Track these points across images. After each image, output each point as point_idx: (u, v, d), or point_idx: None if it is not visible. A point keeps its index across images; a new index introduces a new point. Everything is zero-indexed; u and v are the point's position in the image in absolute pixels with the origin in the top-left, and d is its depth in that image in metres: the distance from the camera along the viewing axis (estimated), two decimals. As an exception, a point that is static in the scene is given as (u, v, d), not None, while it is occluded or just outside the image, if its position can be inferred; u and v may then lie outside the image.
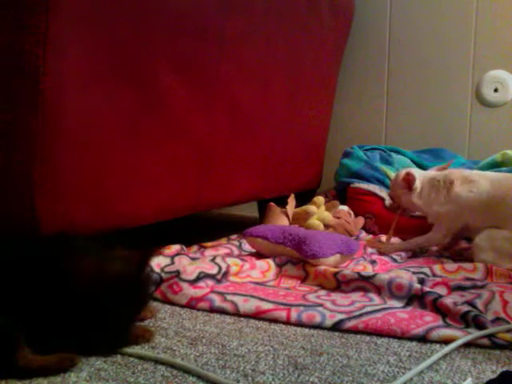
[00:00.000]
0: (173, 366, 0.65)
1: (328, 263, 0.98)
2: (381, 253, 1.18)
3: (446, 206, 1.14)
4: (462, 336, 0.71)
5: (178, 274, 0.91)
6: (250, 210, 1.75)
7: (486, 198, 1.09)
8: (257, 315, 0.81)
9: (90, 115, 0.80)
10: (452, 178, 1.15)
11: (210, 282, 0.92)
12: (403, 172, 1.21)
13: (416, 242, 1.19)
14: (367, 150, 1.59)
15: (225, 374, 0.63)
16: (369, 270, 1.03)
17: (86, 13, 0.76)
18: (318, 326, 0.78)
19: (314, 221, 1.28)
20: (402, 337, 0.74)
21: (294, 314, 0.80)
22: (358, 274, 0.91)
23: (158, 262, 0.94)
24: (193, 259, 1.01)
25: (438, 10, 1.62)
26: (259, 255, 1.07)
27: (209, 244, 1.18)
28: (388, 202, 1.38)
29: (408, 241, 1.21)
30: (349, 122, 1.77)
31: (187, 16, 0.96)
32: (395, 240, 1.31)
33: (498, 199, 1.08)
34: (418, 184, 1.17)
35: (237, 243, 1.18)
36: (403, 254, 1.17)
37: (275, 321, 0.80)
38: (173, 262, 0.96)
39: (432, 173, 1.21)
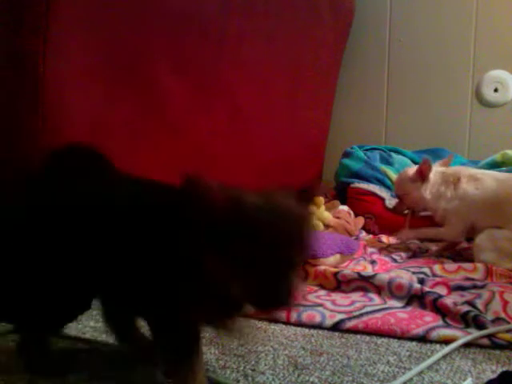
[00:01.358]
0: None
1: (328, 263, 0.98)
2: (384, 251, 1.18)
3: (453, 202, 1.13)
4: (462, 336, 0.71)
5: (178, 273, 0.91)
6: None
7: (491, 197, 1.09)
8: (257, 315, 0.81)
9: (90, 115, 0.80)
10: (459, 175, 1.14)
11: (210, 282, 0.92)
12: (413, 166, 1.19)
13: (427, 232, 1.19)
14: (367, 149, 1.58)
15: (225, 374, 0.63)
16: (369, 269, 1.03)
17: (87, 13, 0.76)
18: (318, 326, 0.78)
19: (313, 221, 1.28)
20: (402, 337, 0.74)
21: (293, 314, 0.80)
22: (358, 273, 0.91)
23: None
24: (193, 259, 1.01)
25: (438, 10, 1.62)
26: (259, 255, 1.07)
27: (209, 244, 1.18)
28: (391, 203, 1.38)
29: (418, 231, 1.21)
30: (349, 122, 1.77)
31: (188, 16, 0.96)
32: (395, 240, 1.31)
33: (503, 198, 1.08)
34: (431, 176, 1.15)
35: (237, 243, 1.18)
36: (403, 254, 1.16)
37: (275, 321, 0.80)
38: (173, 262, 0.96)
39: (442, 168, 1.18)
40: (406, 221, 1.23)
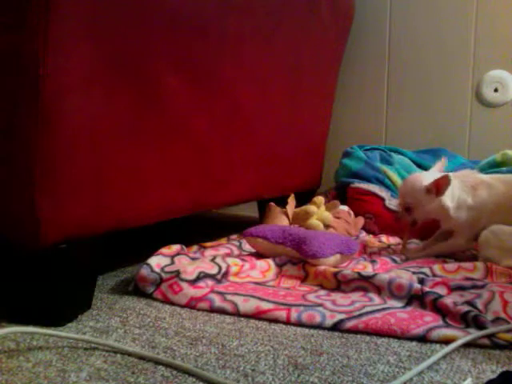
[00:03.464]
0: (172, 366, 0.65)
1: (328, 263, 0.98)
2: (384, 251, 1.18)
3: (470, 211, 1.11)
4: (462, 336, 0.71)
5: (177, 273, 0.91)
6: (250, 210, 1.75)
7: (502, 200, 1.09)
8: (257, 315, 0.82)
9: (90, 115, 0.80)
10: (475, 182, 1.13)
11: (210, 282, 0.92)
12: (419, 172, 1.16)
13: (437, 251, 1.14)
14: (367, 149, 1.58)
15: (225, 374, 0.63)
16: (369, 269, 1.03)
17: (86, 12, 0.76)
18: (318, 326, 0.78)
19: (313, 221, 1.28)
20: (402, 337, 0.74)
21: (294, 314, 0.80)
22: (358, 273, 0.91)
23: (157, 262, 0.94)
24: (193, 259, 1.01)
25: (438, 10, 1.62)
26: (259, 255, 1.07)
27: (209, 244, 1.18)
28: (391, 203, 1.37)
29: (431, 249, 1.17)
30: (349, 122, 1.77)
31: (188, 15, 0.96)
32: (395, 240, 1.31)
33: None
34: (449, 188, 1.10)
35: (237, 243, 1.18)
36: (403, 256, 1.15)
37: (275, 321, 0.80)
38: (173, 262, 0.96)
39: (458, 174, 1.15)
40: (406, 232, 1.21)
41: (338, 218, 1.33)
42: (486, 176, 1.18)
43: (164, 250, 1.00)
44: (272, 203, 1.36)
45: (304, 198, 1.42)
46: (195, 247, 1.15)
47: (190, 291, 0.88)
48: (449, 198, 1.11)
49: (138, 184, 0.92)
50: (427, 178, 1.13)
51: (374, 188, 1.44)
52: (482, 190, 1.12)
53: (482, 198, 1.11)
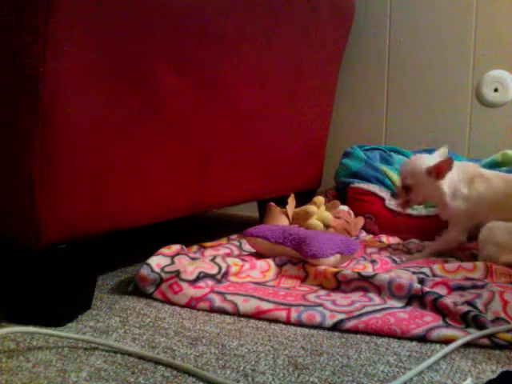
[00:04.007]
0: (172, 366, 0.65)
1: (328, 263, 0.98)
2: (384, 251, 1.18)
3: (466, 202, 1.11)
4: (462, 336, 0.71)
5: (177, 273, 0.91)
6: (250, 210, 1.75)
7: (500, 197, 1.10)
8: (257, 315, 0.82)
9: (90, 115, 0.80)
10: (474, 174, 1.13)
11: (210, 282, 0.92)
12: (423, 155, 1.16)
13: (434, 248, 1.15)
14: (367, 150, 1.59)
15: (225, 374, 0.63)
16: (369, 269, 1.03)
17: (86, 12, 0.76)
18: (318, 326, 0.78)
19: (313, 221, 1.28)
20: (402, 337, 0.74)
21: (293, 314, 0.80)
22: (358, 273, 0.91)
23: (157, 262, 0.94)
24: (193, 259, 1.01)
25: (438, 10, 1.62)
26: (259, 255, 1.07)
27: (209, 244, 1.18)
28: (391, 203, 1.37)
29: (428, 247, 1.17)
30: (349, 122, 1.77)
31: (187, 15, 0.96)
32: (395, 240, 1.31)
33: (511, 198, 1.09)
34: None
35: (237, 243, 1.18)
36: (403, 257, 1.15)
37: (275, 321, 0.80)
38: (173, 262, 0.96)
39: (459, 164, 1.14)
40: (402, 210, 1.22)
41: (338, 217, 1.33)
42: (487, 171, 1.18)
43: (164, 250, 1.00)
44: (272, 203, 1.36)
45: (304, 198, 1.42)
46: (195, 247, 1.15)
47: (190, 291, 0.88)
48: (446, 185, 1.12)
49: (137, 184, 0.92)
50: (429, 160, 1.14)
51: (373, 188, 1.44)
52: (480, 184, 1.12)
53: (479, 191, 1.12)
